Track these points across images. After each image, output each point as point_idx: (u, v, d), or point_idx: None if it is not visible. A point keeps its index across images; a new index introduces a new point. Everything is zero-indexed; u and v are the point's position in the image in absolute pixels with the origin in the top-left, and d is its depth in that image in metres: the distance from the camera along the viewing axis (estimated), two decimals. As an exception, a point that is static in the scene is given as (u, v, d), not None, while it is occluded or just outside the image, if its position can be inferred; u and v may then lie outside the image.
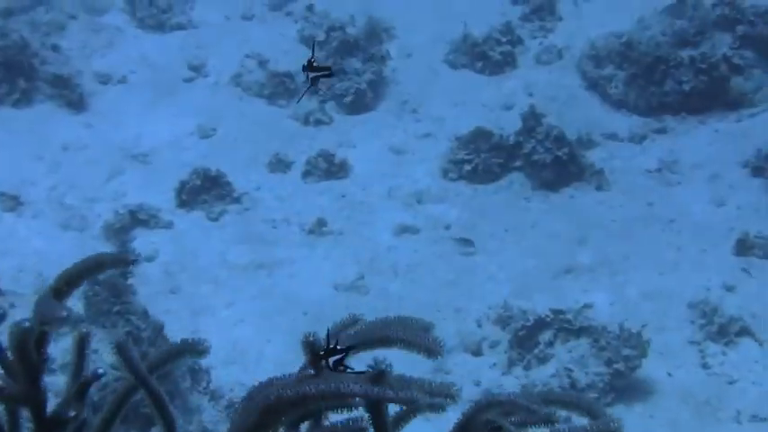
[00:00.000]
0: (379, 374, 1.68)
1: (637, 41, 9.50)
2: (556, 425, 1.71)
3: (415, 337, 1.70)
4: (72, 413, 1.63)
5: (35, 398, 1.61)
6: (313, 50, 2.53)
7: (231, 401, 6.22)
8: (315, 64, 2.43)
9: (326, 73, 2.45)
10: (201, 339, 1.80)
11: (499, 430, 1.67)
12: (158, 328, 6.05)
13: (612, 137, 9.14)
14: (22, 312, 6.36)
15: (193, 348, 1.79)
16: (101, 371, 1.74)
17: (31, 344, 1.64)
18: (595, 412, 1.75)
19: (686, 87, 9.31)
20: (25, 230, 7.48)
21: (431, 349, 1.70)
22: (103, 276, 6.14)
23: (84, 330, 1.77)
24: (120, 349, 1.72)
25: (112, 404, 1.78)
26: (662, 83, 9.40)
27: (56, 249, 7.30)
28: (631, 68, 9.50)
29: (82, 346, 1.79)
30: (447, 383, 1.80)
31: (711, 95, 9.38)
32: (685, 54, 9.39)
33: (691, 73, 9.34)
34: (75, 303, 6.10)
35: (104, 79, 9.52)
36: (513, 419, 1.72)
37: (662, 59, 9.39)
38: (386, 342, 1.76)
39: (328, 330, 1.80)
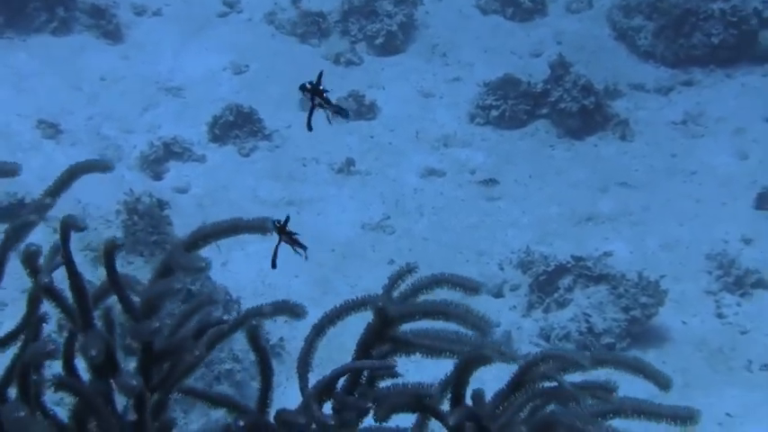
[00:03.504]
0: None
1: (668, -7, 9.53)
2: (613, 394, 1.88)
3: (468, 315, 1.92)
4: (197, 352, 1.83)
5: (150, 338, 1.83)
6: (319, 78, 2.44)
7: (260, 332, 6.47)
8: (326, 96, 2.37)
9: (337, 110, 2.40)
10: (298, 304, 1.98)
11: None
12: (194, 259, 6.26)
13: (639, 87, 9.23)
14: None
15: (292, 310, 1.98)
16: (226, 317, 1.95)
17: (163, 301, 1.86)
18: (646, 370, 1.92)
19: (715, 40, 9.36)
20: (64, 158, 7.67)
21: (479, 327, 1.92)
22: (142, 207, 6.37)
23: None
24: (253, 335, 1.92)
25: (205, 347, 1.98)
26: (690, 35, 9.44)
27: (93, 178, 7.47)
28: (661, 20, 9.54)
29: (200, 304, 1.99)
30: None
31: (740, 49, 9.43)
32: (716, 6, 9.41)
33: (720, 26, 9.38)
34: (115, 232, 6.34)
35: (139, 11, 9.64)
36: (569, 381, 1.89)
37: (692, 12, 9.42)
38: (445, 316, 1.97)
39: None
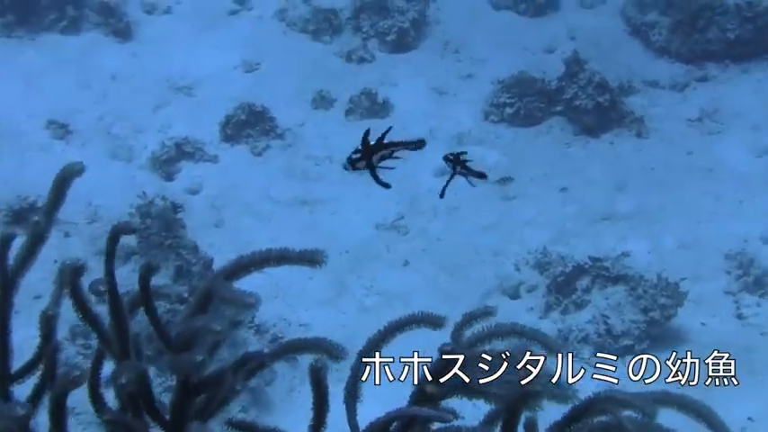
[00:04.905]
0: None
1: (683, -13, 9.42)
2: None
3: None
4: (238, 387, 1.76)
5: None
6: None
7: (275, 336, 6.40)
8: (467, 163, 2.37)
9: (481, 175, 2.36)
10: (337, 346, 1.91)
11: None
12: (208, 263, 6.20)
13: (654, 84, 9.13)
14: (76, 242, 6.55)
15: (330, 350, 1.91)
16: (266, 351, 1.88)
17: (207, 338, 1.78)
18: (712, 419, 1.83)
19: (731, 35, 9.26)
20: (74, 159, 7.58)
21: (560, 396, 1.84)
22: (155, 210, 6.30)
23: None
24: (317, 373, 1.85)
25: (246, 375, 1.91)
26: (706, 30, 9.33)
27: (104, 179, 7.43)
28: (676, 15, 9.43)
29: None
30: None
31: (756, 44, 9.32)
32: (731, 1, 9.31)
33: (736, 21, 9.28)
34: (128, 237, 6.26)
35: (149, 9, 9.56)
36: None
37: (707, 6, 9.31)
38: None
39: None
